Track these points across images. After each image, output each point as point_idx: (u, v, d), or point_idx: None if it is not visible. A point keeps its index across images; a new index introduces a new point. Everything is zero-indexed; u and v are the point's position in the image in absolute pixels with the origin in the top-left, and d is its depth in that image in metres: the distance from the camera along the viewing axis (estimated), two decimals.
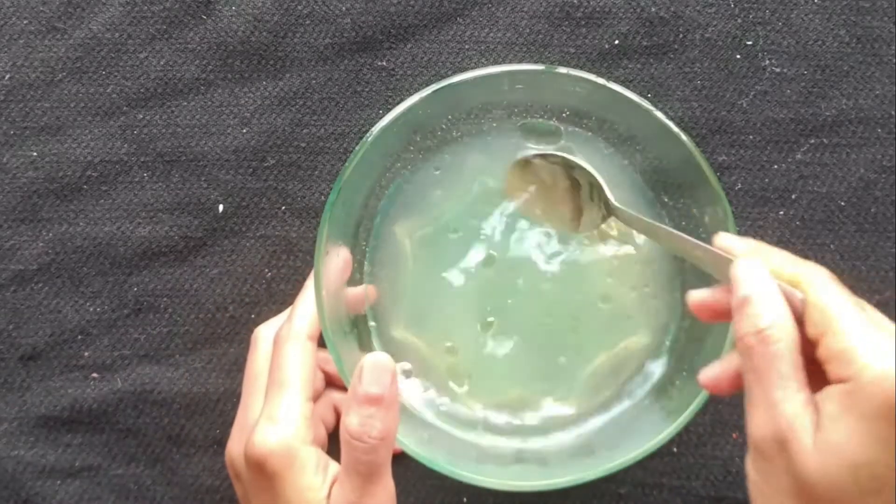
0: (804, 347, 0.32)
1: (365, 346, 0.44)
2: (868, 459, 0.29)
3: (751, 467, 0.32)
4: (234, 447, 0.41)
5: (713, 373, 0.35)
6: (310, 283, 0.43)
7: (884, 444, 0.29)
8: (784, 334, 0.32)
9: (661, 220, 0.45)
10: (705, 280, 0.43)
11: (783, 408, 0.31)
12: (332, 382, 0.46)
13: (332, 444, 0.44)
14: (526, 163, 0.44)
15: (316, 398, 0.44)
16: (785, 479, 0.31)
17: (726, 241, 0.36)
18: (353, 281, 0.44)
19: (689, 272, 0.44)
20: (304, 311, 0.41)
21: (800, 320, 0.32)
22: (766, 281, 0.33)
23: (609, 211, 0.42)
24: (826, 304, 0.32)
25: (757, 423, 0.31)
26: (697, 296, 0.36)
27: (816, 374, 0.31)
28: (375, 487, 0.36)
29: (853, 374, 0.30)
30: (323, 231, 0.40)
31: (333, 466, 0.38)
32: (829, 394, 0.30)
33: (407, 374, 0.44)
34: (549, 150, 0.45)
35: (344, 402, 0.37)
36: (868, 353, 0.30)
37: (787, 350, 0.31)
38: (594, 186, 0.43)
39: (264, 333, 0.43)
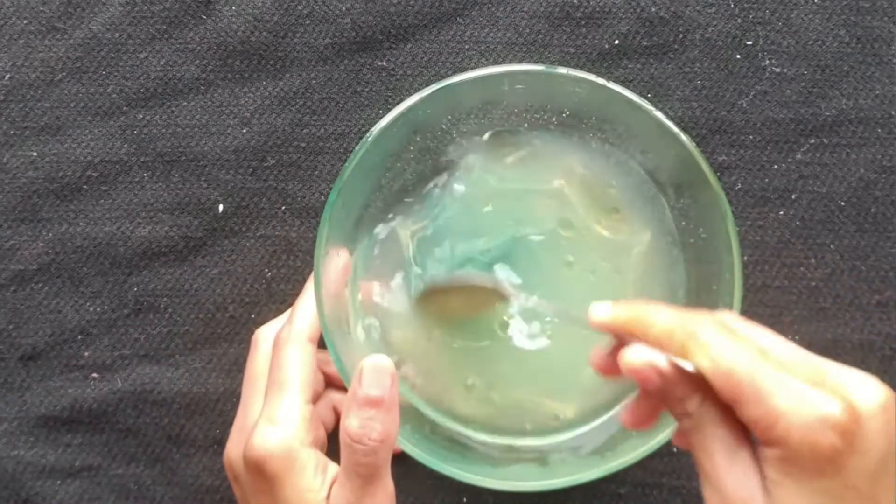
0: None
1: (365, 347, 0.44)
2: None
3: None
4: (233, 449, 0.40)
5: (632, 412, 0.34)
6: (310, 285, 0.43)
7: (829, 497, 0.28)
8: (708, 411, 0.30)
9: (664, 215, 0.45)
10: (706, 281, 0.43)
11: (728, 479, 0.30)
12: (332, 383, 0.46)
13: (332, 445, 0.44)
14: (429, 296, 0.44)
15: (316, 399, 0.44)
16: None
17: (600, 311, 0.33)
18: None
19: (691, 275, 0.44)
20: (304, 313, 0.41)
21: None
22: (666, 369, 0.31)
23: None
24: (726, 371, 0.29)
25: (709, 502, 0.30)
26: (597, 356, 0.34)
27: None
28: (375, 488, 0.36)
29: (780, 439, 0.28)
30: (323, 231, 0.40)
31: (333, 467, 0.38)
32: (766, 458, 0.29)
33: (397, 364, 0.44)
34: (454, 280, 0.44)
35: (344, 404, 0.37)
36: (786, 411, 0.28)
37: (716, 423, 0.30)
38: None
39: (265, 335, 0.43)
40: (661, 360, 0.31)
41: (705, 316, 0.31)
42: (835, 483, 0.28)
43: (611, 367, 0.34)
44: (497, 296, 0.42)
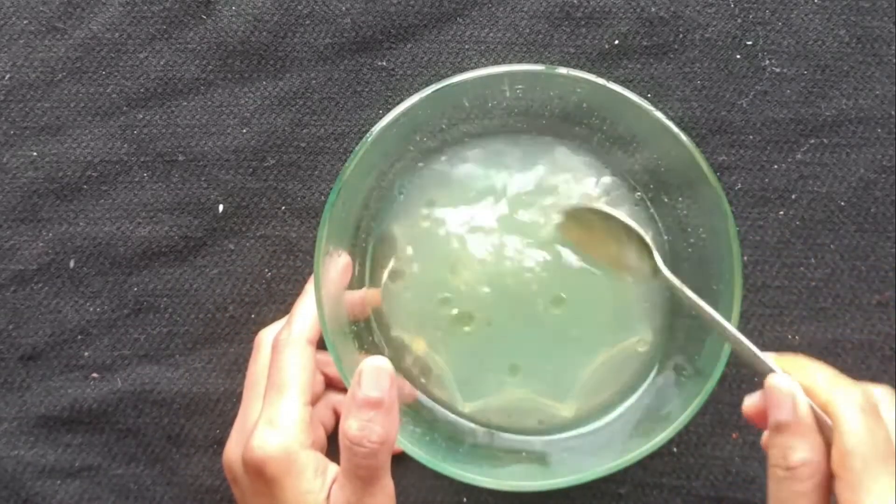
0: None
1: (364, 348, 0.44)
2: None
3: None
4: (233, 451, 0.40)
5: (755, 403, 0.36)
6: (309, 287, 0.43)
7: None
8: (812, 473, 0.32)
9: (653, 221, 0.45)
10: (706, 281, 0.43)
11: None
12: (332, 385, 0.46)
13: (332, 446, 0.44)
14: (578, 212, 0.44)
15: (315, 401, 0.44)
16: None
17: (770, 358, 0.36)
18: (354, 284, 0.44)
19: (691, 275, 0.44)
20: (303, 315, 0.41)
21: (828, 444, 0.33)
22: (802, 407, 0.33)
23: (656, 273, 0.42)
24: (849, 451, 0.31)
25: None
26: (752, 402, 0.36)
27: None
28: (375, 489, 0.36)
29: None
30: (323, 231, 0.40)
31: (332, 469, 0.38)
32: None
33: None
34: (605, 209, 0.44)
35: (343, 406, 0.37)
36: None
37: (812, 490, 0.32)
38: (644, 246, 0.42)
39: (266, 337, 0.43)
40: (803, 400, 0.33)
41: (857, 387, 0.33)
42: None
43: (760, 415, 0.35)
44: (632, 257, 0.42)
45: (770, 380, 0.34)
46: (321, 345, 0.41)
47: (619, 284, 0.44)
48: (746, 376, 0.46)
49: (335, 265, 0.42)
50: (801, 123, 0.48)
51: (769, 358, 0.36)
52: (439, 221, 0.45)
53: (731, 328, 0.38)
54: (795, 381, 0.34)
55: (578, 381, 0.44)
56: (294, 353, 0.40)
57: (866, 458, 0.31)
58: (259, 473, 0.37)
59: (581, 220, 0.44)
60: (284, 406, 0.39)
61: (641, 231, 0.42)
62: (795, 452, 0.33)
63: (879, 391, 0.34)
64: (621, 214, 0.43)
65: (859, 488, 0.30)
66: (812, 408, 0.33)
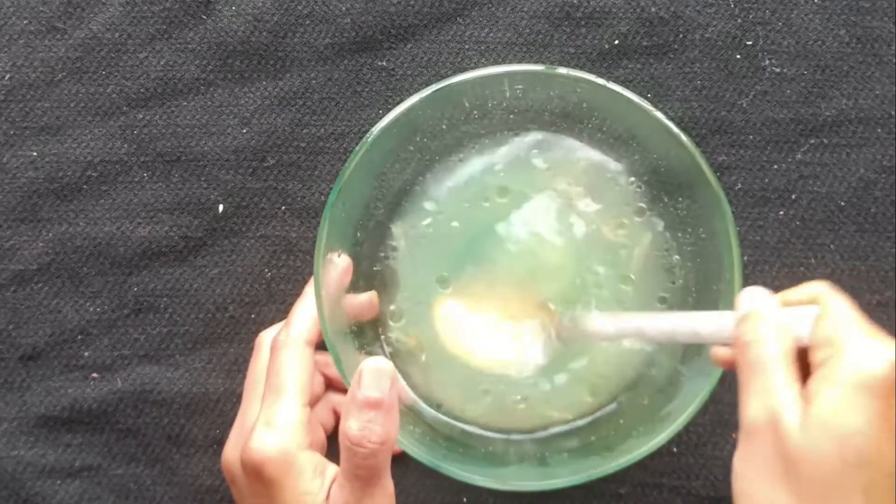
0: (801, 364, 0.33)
1: (364, 348, 0.44)
2: (852, 431, 0.30)
3: (738, 458, 0.33)
4: (231, 452, 0.40)
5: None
6: (309, 289, 0.43)
7: (867, 418, 0.30)
8: (781, 337, 0.33)
9: (664, 215, 0.45)
10: (706, 281, 0.43)
11: (774, 392, 0.32)
12: (332, 385, 0.46)
13: (332, 446, 0.44)
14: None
15: (315, 402, 0.44)
16: (773, 461, 0.31)
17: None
18: (354, 286, 0.44)
19: (691, 275, 0.44)
20: (302, 317, 0.41)
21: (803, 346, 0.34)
22: (766, 299, 0.35)
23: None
24: (835, 314, 0.33)
25: (750, 407, 0.33)
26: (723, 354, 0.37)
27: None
28: (374, 490, 0.36)
29: (836, 351, 0.32)
30: (323, 232, 0.40)
31: (331, 469, 0.38)
32: (816, 376, 0.32)
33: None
34: None
35: (343, 406, 0.37)
36: (854, 337, 0.32)
37: (782, 352, 0.33)
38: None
39: (266, 339, 0.43)
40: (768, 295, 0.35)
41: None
42: (874, 404, 0.30)
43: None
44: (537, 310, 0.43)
45: (739, 295, 0.35)
46: (321, 346, 0.41)
47: (620, 283, 0.45)
48: None
49: (335, 266, 0.42)
50: (801, 123, 0.48)
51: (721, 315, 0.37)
52: (440, 221, 0.45)
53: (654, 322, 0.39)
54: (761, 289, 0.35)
55: (579, 380, 0.44)
56: (292, 354, 0.40)
57: (854, 319, 0.33)
58: (257, 474, 0.37)
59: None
60: (282, 407, 0.38)
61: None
62: (761, 325, 0.34)
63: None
64: None
65: (842, 326, 0.32)
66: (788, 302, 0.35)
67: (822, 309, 0.34)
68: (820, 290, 0.34)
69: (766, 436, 0.32)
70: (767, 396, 0.32)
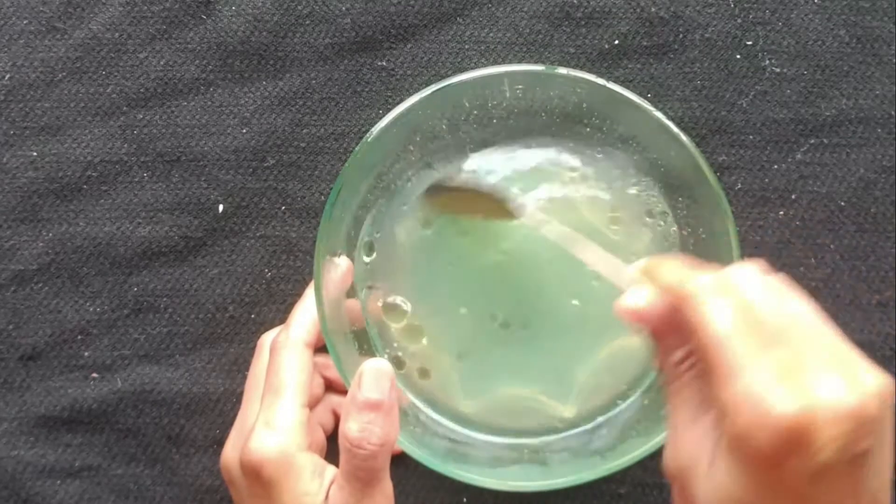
0: None
1: (364, 349, 0.44)
2: (744, 499, 0.28)
3: (673, 495, 0.31)
4: (230, 453, 0.40)
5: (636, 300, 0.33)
6: (309, 291, 0.42)
7: (760, 486, 0.27)
8: (685, 369, 0.31)
9: (663, 214, 0.45)
10: None
11: (684, 438, 0.30)
12: (332, 387, 0.46)
13: (332, 447, 0.44)
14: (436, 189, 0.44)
15: (315, 403, 0.44)
16: None
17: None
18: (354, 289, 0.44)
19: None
20: (301, 319, 0.41)
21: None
22: (658, 318, 0.32)
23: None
24: (708, 343, 0.29)
25: (665, 455, 0.31)
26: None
27: None
28: (374, 491, 0.36)
29: (731, 421, 0.27)
30: (323, 232, 0.40)
31: (330, 471, 0.38)
32: (722, 430, 0.28)
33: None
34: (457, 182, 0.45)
35: (343, 408, 0.37)
36: (742, 398, 0.27)
37: (687, 384, 0.31)
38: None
39: (267, 341, 0.43)
40: (652, 309, 0.31)
41: (708, 275, 0.30)
42: (770, 477, 0.27)
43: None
44: (504, 210, 0.42)
45: (616, 307, 0.32)
46: (321, 347, 0.41)
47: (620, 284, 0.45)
48: None
49: (336, 266, 0.42)
50: (801, 123, 0.48)
51: (622, 279, 0.35)
52: (440, 221, 0.45)
53: (590, 250, 0.38)
54: (644, 292, 0.32)
55: (579, 381, 0.44)
56: (291, 355, 0.40)
57: (731, 341, 0.28)
58: (256, 476, 0.37)
59: (447, 194, 0.44)
60: (281, 408, 0.39)
61: (489, 186, 0.43)
62: (667, 355, 0.31)
63: (739, 268, 0.31)
64: (468, 181, 0.44)
65: (731, 371, 0.28)
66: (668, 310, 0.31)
67: (713, 354, 0.28)
68: (703, 299, 0.30)
69: (679, 488, 0.30)
70: (679, 443, 0.30)
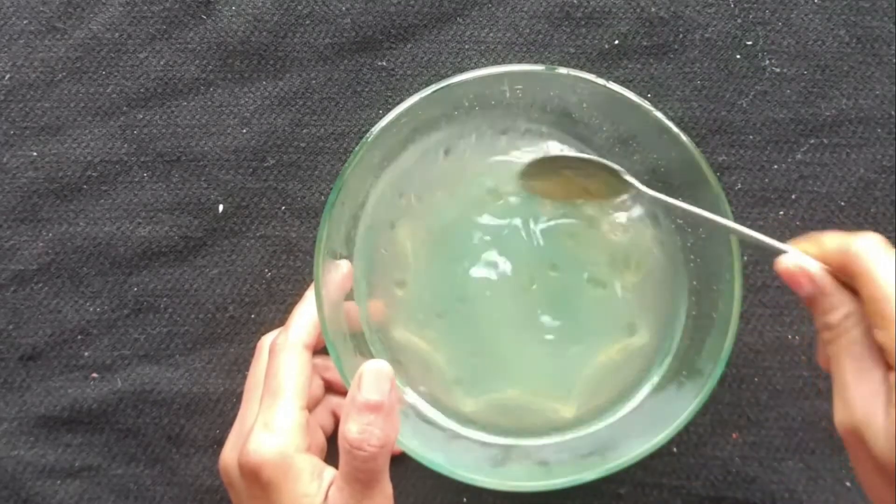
0: None
1: (364, 350, 0.44)
2: None
3: (850, 459, 0.33)
4: (229, 455, 0.40)
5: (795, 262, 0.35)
6: (308, 293, 0.42)
7: None
8: (853, 324, 0.33)
9: (663, 214, 0.45)
10: (706, 281, 0.43)
11: (855, 394, 0.32)
12: (332, 388, 0.46)
13: (332, 448, 0.44)
14: (542, 162, 0.44)
15: (314, 405, 0.44)
16: (869, 462, 0.31)
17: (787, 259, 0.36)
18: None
19: (692, 275, 0.44)
20: (300, 321, 0.41)
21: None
22: (817, 275, 0.34)
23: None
24: (881, 294, 0.31)
25: (837, 414, 0.32)
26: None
27: None
28: (374, 492, 0.36)
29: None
30: (323, 232, 0.40)
31: (329, 472, 0.38)
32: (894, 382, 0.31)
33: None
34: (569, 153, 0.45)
35: (343, 409, 0.37)
36: None
37: (859, 340, 0.32)
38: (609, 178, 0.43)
39: (267, 343, 0.43)
40: (813, 267, 0.34)
41: (872, 236, 0.34)
42: None
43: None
44: (608, 186, 0.43)
45: (776, 265, 0.35)
46: (321, 349, 0.41)
47: (620, 283, 0.45)
48: (746, 376, 0.46)
49: (337, 268, 0.42)
50: (801, 123, 0.48)
51: (776, 242, 0.36)
52: (440, 221, 0.45)
53: (728, 222, 0.39)
54: (804, 254, 0.35)
55: (579, 381, 0.44)
56: (290, 357, 0.40)
57: None
58: (255, 477, 0.37)
59: (545, 173, 0.44)
60: (280, 410, 0.38)
61: (607, 161, 0.43)
62: (828, 315, 0.33)
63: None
64: (579, 154, 0.44)
65: None
66: (826, 272, 0.34)
67: (882, 308, 0.31)
68: (867, 260, 0.33)
69: (855, 441, 0.32)
70: (850, 401, 0.32)
